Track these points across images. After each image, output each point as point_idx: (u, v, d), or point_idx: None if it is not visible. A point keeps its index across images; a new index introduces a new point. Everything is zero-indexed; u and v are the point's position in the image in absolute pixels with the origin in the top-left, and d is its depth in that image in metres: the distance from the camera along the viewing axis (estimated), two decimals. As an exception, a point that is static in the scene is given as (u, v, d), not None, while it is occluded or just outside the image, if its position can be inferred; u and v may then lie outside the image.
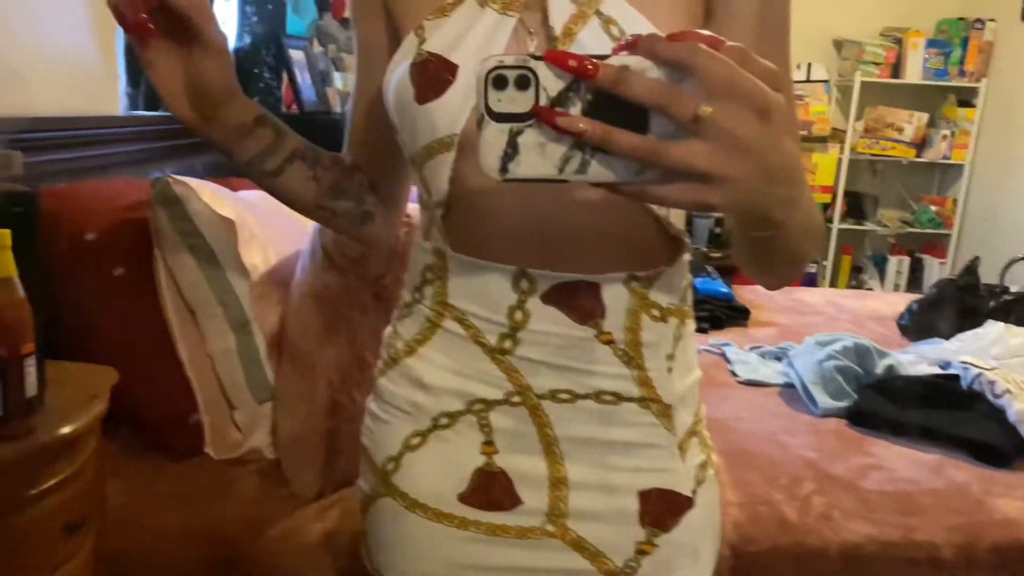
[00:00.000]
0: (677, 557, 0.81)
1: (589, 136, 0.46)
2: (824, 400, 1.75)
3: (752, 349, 2.15)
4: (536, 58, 0.46)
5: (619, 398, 0.76)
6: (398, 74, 0.77)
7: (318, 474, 1.36)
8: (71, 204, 1.43)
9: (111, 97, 1.97)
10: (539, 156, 0.47)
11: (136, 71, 2.04)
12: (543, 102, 0.46)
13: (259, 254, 1.50)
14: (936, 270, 4.63)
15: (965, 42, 4.41)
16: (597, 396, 0.76)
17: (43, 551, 0.98)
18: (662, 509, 0.79)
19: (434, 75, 0.74)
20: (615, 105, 0.46)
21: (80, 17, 1.81)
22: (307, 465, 1.37)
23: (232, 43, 2.72)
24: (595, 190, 0.67)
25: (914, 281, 4.66)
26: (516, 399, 0.76)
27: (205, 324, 1.45)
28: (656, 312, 0.76)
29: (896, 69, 4.50)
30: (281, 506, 1.35)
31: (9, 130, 1.42)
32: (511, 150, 0.47)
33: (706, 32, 0.48)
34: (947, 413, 1.62)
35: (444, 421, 0.78)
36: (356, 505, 1.34)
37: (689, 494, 0.80)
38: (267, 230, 1.56)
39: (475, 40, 0.74)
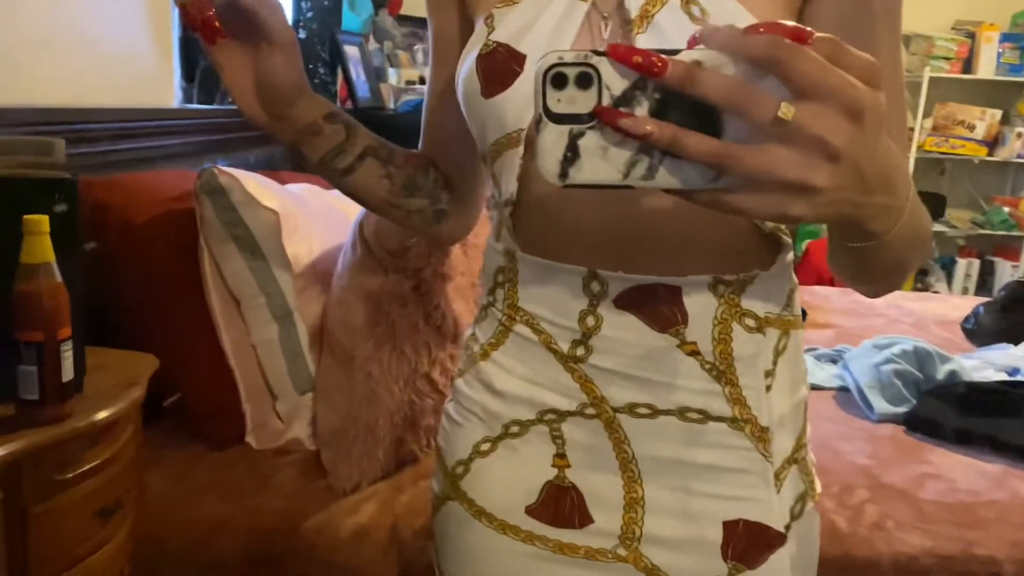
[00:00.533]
0: None
1: (657, 139, 0.42)
2: (881, 405, 1.67)
3: (807, 351, 2.07)
4: (598, 54, 0.43)
5: (707, 416, 0.70)
6: (467, 66, 0.74)
7: (354, 466, 1.35)
8: (120, 194, 1.45)
9: (166, 91, 2.01)
10: (602, 160, 0.44)
11: (191, 66, 2.08)
12: (606, 102, 0.43)
13: (303, 246, 1.50)
14: (1008, 274, 4.44)
15: (1043, 36, 4.22)
16: (681, 413, 0.70)
17: (77, 535, 0.99)
18: (749, 543, 0.71)
19: (501, 66, 0.71)
20: (686, 105, 0.42)
21: (137, 13, 1.84)
22: (345, 458, 1.36)
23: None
24: (666, 197, 0.64)
25: (983, 285, 4.48)
26: (590, 411, 0.71)
27: (248, 314, 1.46)
28: (751, 322, 0.69)
29: (968, 64, 4.33)
30: (318, 498, 1.34)
31: (64, 120, 1.45)
32: (571, 154, 0.44)
33: (791, 23, 0.42)
34: (1014, 422, 1.54)
35: (514, 429, 0.74)
36: (390, 498, 1.34)
37: (782, 530, 0.72)
38: (312, 223, 1.57)
39: (545, 28, 0.70)
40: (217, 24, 0.71)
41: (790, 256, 0.72)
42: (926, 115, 4.38)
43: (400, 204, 0.86)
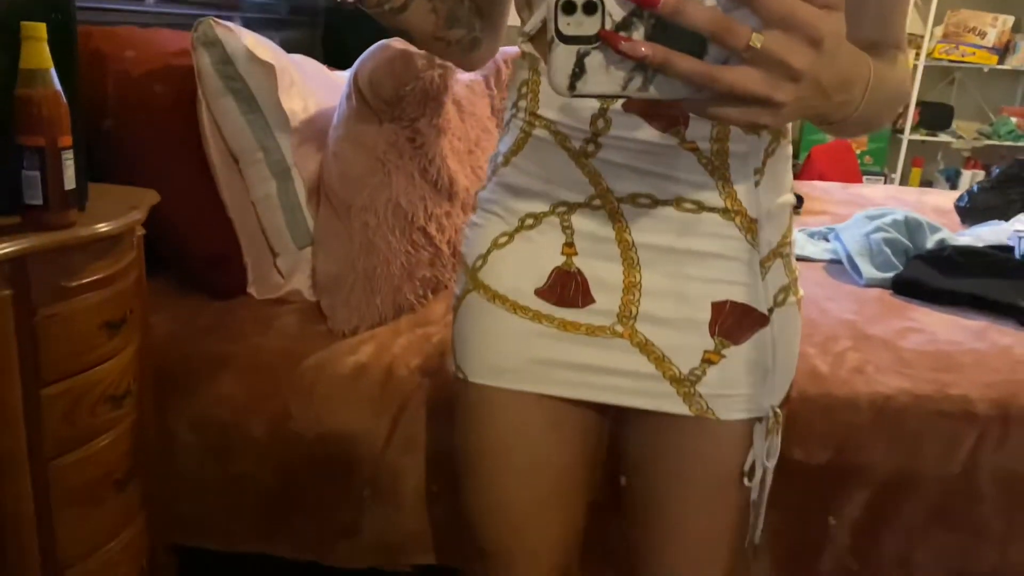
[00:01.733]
0: (743, 372, 0.81)
1: (650, 59, 0.49)
2: (869, 271, 1.70)
3: (799, 230, 2.10)
4: None
5: (701, 207, 0.77)
6: None
7: (353, 311, 1.40)
8: (118, 44, 1.46)
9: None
10: (604, 75, 0.51)
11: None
12: (608, 27, 0.50)
13: (299, 101, 1.52)
14: (1012, 185, 4.42)
15: (1060, -61, 4.12)
16: (678, 203, 0.77)
17: (84, 342, 1.03)
18: (734, 321, 0.80)
19: None
20: (675, 31, 0.49)
21: None
22: (343, 303, 1.41)
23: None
24: None
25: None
26: (597, 202, 0.79)
27: (247, 171, 1.48)
28: (742, 146, 0.77)
29: (982, -31, 4.24)
30: (318, 340, 1.39)
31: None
32: (579, 70, 0.51)
33: None
34: (998, 281, 1.57)
35: (529, 222, 0.82)
36: (388, 341, 1.39)
37: (764, 311, 0.80)
38: (307, 79, 1.58)
39: None
40: None
41: None
42: (937, 22, 4.30)
43: (442, 36, 0.92)
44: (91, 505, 1.08)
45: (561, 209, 0.80)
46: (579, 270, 0.81)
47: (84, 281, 1.02)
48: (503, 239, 0.84)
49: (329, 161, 1.45)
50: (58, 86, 0.95)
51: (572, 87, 0.52)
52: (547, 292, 0.82)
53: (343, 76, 1.95)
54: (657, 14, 0.49)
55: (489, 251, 0.84)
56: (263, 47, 1.48)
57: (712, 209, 0.77)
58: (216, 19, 1.42)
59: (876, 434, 1.30)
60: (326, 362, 1.35)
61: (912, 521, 1.30)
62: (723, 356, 0.80)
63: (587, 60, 0.51)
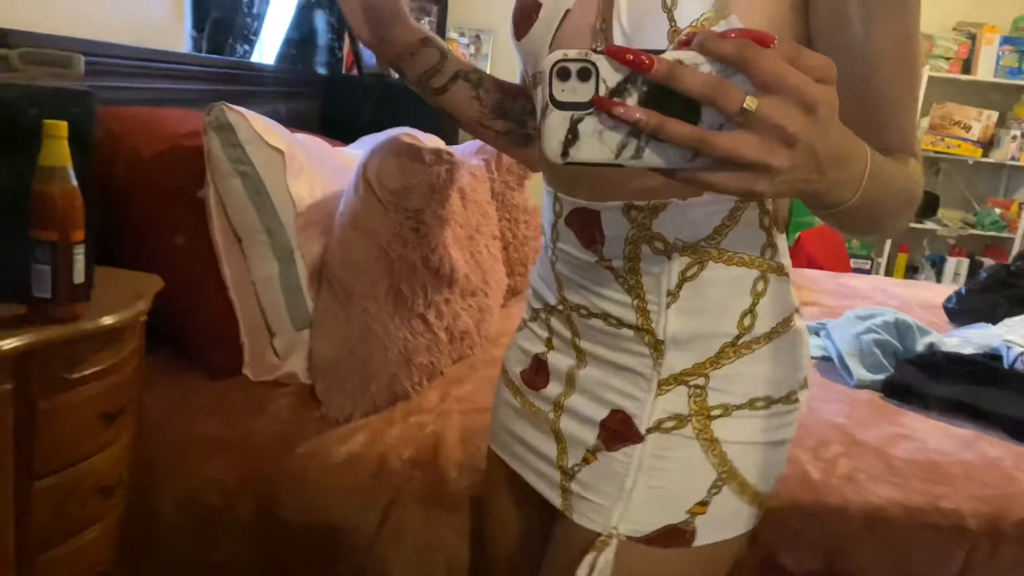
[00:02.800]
0: (603, 481, 0.83)
1: (644, 125, 0.50)
2: (860, 373, 1.72)
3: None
4: (597, 52, 0.50)
5: (620, 323, 0.82)
6: (514, 7, 0.87)
7: (348, 398, 1.40)
8: (130, 125, 1.48)
9: (177, 38, 2.04)
10: (597, 142, 0.51)
11: (202, 15, 2.11)
12: (602, 92, 0.50)
13: (306, 186, 1.54)
14: (996, 274, 4.50)
15: (1043, 40, 4.27)
16: (605, 317, 0.83)
17: (81, 434, 1.03)
18: (615, 429, 0.83)
19: (526, 11, 0.85)
20: (669, 96, 0.49)
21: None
22: (338, 389, 1.41)
23: (293, 4, 2.78)
24: None
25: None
26: (560, 307, 0.88)
27: (250, 251, 1.50)
28: (659, 245, 0.78)
29: (967, 65, 4.38)
30: (311, 427, 1.39)
31: (82, 51, 1.48)
32: (572, 136, 0.51)
33: (756, 30, 0.50)
34: (986, 390, 1.59)
35: (531, 315, 0.96)
36: (382, 430, 1.39)
37: (642, 431, 0.81)
38: (316, 166, 1.60)
39: None
40: None
41: (726, 196, 0.75)
42: (923, 114, 4.42)
43: (488, 124, 1.00)
44: (75, 598, 1.06)
45: (545, 310, 0.92)
46: (548, 360, 0.91)
47: (86, 372, 1.03)
48: (521, 325, 0.99)
49: (334, 247, 1.46)
50: (74, 182, 0.97)
51: (564, 154, 0.51)
52: (525, 374, 0.95)
53: (347, 153, 1.99)
54: (651, 80, 0.50)
55: (512, 343, 1.00)
56: (273, 132, 1.51)
57: (629, 326, 0.81)
58: (228, 105, 1.45)
59: (867, 544, 1.30)
60: (318, 450, 1.34)
61: (902, 636, 1.29)
62: (596, 458, 0.84)
63: (580, 126, 0.51)
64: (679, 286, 0.78)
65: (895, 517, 1.31)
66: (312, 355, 1.48)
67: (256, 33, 2.42)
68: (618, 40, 0.76)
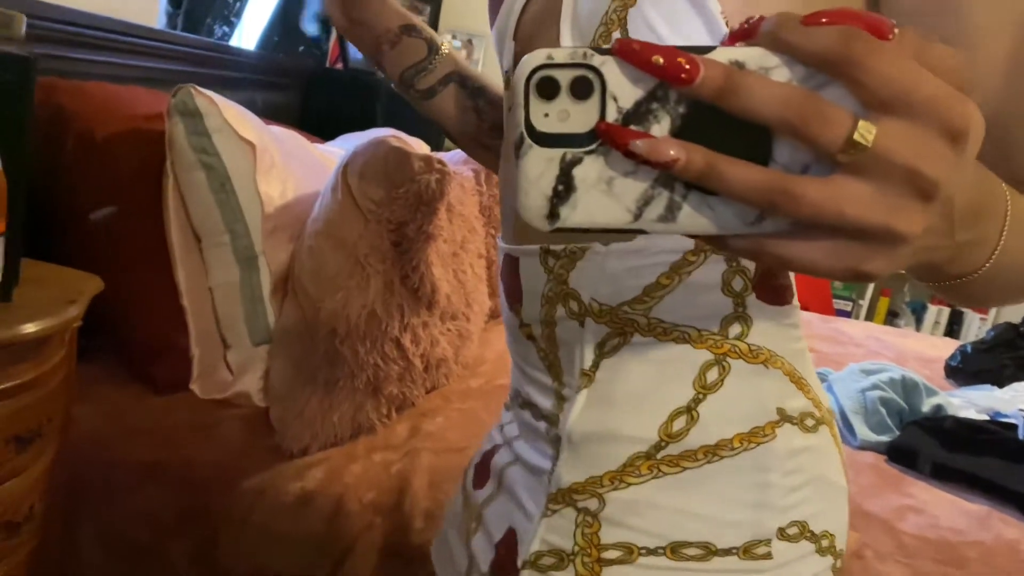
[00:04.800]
0: None
1: (684, 168, 0.31)
2: (864, 432, 1.60)
3: (786, 370, 2.00)
4: (602, 52, 0.31)
5: (541, 414, 0.62)
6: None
7: (306, 427, 1.24)
8: (85, 103, 1.32)
9: (150, 12, 1.87)
10: (605, 196, 0.32)
11: (179, -11, 1.95)
12: (612, 117, 0.31)
13: (277, 185, 1.38)
14: (976, 325, 4.45)
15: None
16: (526, 405, 0.65)
17: (-16, 460, 0.86)
18: (503, 558, 0.63)
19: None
20: (721, 122, 0.31)
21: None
22: (296, 416, 1.25)
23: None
24: None
25: (951, 334, 4.48)
26: (514, 395, 0.70)
27: (209, 253, 1.34)
28: (574, 306, 0.57)
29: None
30: (262, 457, 1.23)
31: (40, 15, 1.32)
32: (563, 187, 0.32)
33: (863, 11, 0.31)
34: (999, 462, 1.47)
35: (507, 404, 0.75)
36: (341, 466, 1.23)
37: (519, 564, 0.60)
38: (289, 163, 1.45)
39: None
40: None
41: (669, 245, 0.55)
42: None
43: (491, 145, 0.81)
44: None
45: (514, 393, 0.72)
46: (494, 455, 0.72)
47: (-5, 388, 0.86)
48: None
49: (303, 255, 1.31)
50: (-2, 162, 0.81)
51: (554, 215, 0.32)
52: (477, 466, 0.74)
53: (326, 151, 1.83)
54: (693, 96, 0.30)
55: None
56: (246, 122, 1.36)
57: (545, 417, 0.61)
58: (197, 88, 1.29)
59: (873, 632, 1.17)
60: (268, 486, 1.18)
61: None
62: None
63: (577, 171, 0.32)
64: (595, 365, 0.57)
65: (906, 603, 1.19)
66: (269, 375, 1.32)
67: (238, 15, 2.26)
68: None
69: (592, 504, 0.57)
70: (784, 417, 0.56)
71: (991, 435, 1.53)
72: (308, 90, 2.67)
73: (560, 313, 0.58)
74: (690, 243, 0.55)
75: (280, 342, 1.32)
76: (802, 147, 0.31)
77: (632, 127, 0.31)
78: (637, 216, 0.32)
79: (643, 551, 0.55)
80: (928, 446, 1.51)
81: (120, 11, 1.71)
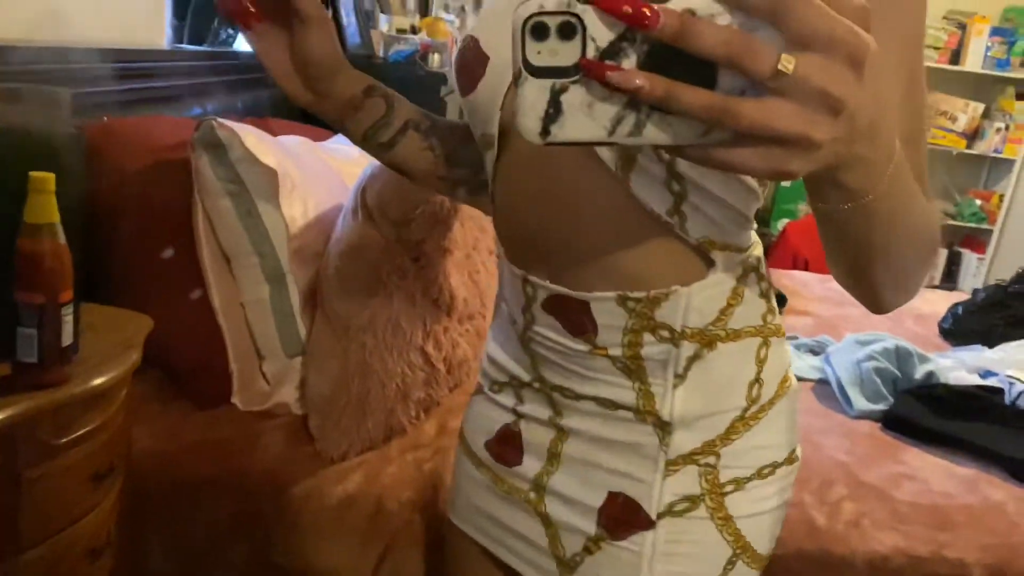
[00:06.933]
0: (613, 573, 0.77)
1: (648, 93, 0.39)
2: (860, 402, 1.70)
3: (788, 339, 2.11)
4: (583, 1, 0.39)
5: (616, 405, 0.75)
6: (455, 55, 0.77)
7: (343, 435, 1.34)
8: (112, 140, 1.40)
9: (157, 29, 1.93)
10: (586, 117, 0.41)
11: (182, 4, 2.00)
12: (591, 54, 0.40)
13: (299, 206, 1.47)
14: (974, 265, 4.53)
15: (1032, 32, 4.25)
16: (596, 399, 0.76)
17: (70, 500, 0.97)
18: (619, 516, 0.76)
19: (470, 65, 0.75)
20: (677, 58, 0.39)
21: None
22: (334, 425, 1.35)
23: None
24: (592, 202, 0.68)
25: (949, 275, 4.57)
26: (537, 385, 0.80)
27: (240, 273, 1.43)
28: (665, 333, 0.71)
29: (955, 55, 4.35)
30: (305, 464, 1.33)
31: (55, 61, 1.39)
32: (553, 110, 0.41)
33: None
34: (987, 427, 1.58)
35: (495, 387, 0.85)
36: (378, 469, 1.34)
37: (652, 516, 0.75)
38: (308, 181, 1.53)
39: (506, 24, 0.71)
40: (252, 9, 0.72)
41: (728, 272, 0.71)
42: (910, 103, 4.39)
43: (445, 176, 0.89)
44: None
45: (515, 382, 0.82)
46: (520, 431, 0.82)
47: (74, 435, 0.96)
48: (477, 390, 0.90)
49: (330, 275, 1.40)
50: (62, 239, 0.90)
51: (546, 131, 0.41)
52: (491, 444, 0.85)
53: (332, 152, 1.90)
54: (655, 37, 0.39)
55: (469, 407, 0.91)
56: (265, 148, 1.43)
57: (627, 407, 0.74)
58: (218, 120, 1.37)
59: (872, 594, 1.29)
60: (313, 491, 1.29)
61: None
62: (600, 548, 0.78)
63: (564, 98, 0.41)
64: (687, 368, 0.72)
65: (900, 567, 1.30)
66: (306, 387, 1.43)
67: (239, 17, 2.31)
68: None
69: (711, 459, 0.74)
70: (788, 366, 0.80)
71: (979, 401, 1.63)
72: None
73: (648, 339, 0.71)
74: (740, 271, 0.72)
75: (314, 357, 1.42)
76: (739, 76, 0.39)
77: (607, 62, 0.40)
78: (611, 132, 0.41)
79: (744, 480, 0.75)
80: (920, 413, 1.61)
81: (129, 33, 1.78)
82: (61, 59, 1.38)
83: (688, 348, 0.71)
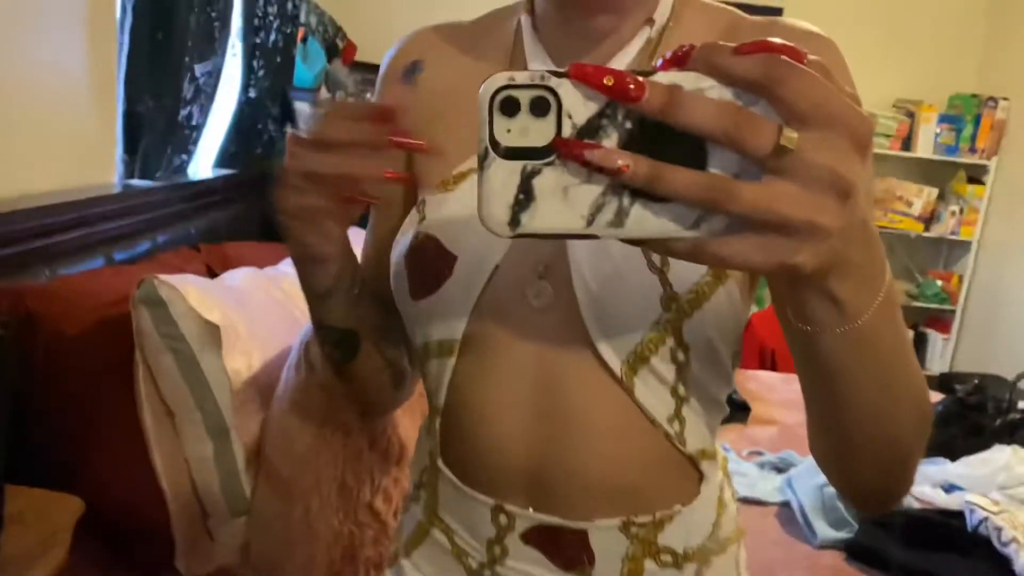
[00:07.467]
0: None
1: (632, 175, 0.35)
2: (824, 530, 1.68)
3: (751, 454, 2.09)
4: (558, 75, 0.36)
5: None
6: (398, 253, 0.70)
7: (290, 604, 1.30)
8: (52, 303, 1.37)
9: (107, 165, 1.92)
10: (562, 203, 0.36)
11: (134, 138, 2.00)
12: (567, 133, 0.36)
13: (243, 359, 1.44)
14: (940, 346, 4.57)
15: (977, 119, 4.38)
16: None
17: None
18: None
19: (430, 266, 0.67)
20: (663, 135, 0.35)
21: (79, 81, 1.76)
22: (280, 593, 1.30)
23: (236, 97, 2.68)
24: (600, 416, 0.62)
25: (917, 357, 4.60)
26: None
27: (183, 428, 1.39)
28: (667, 558, 0.67)
29: (907, 142, 4.47)
30: (248, 637, 1.28)
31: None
32: (524, 196, 0.37)
33: (780, 41, 0.35)
34: (950, 557, 1.56)
35: None
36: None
37: None
38: (254, 330, 1.51)
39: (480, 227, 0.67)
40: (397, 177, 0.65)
41: (713, 482, 0.69)
42: (866, 189, 4.49)
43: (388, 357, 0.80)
44: None
45: None
46: None
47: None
48: None
49: (274, 435, 1.37)
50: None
51: (515, 221, 0.37)
52: None
53: (283, 277, 1.87)
54: (641, 112, 0.35)
55: None
56: (210, 302, 1.42)
57: None
58: (159, 278, 1.35)
59: None
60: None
61: None
62: None
63: (536, 182, 0.36)
64: None
65: None
66: (251, 550, 1.38)
67: (195, 142, 2.32)
68: (584, 303, 0.61)
69: None
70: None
71: (942, 528, 1.61)
72: (267, 195, 2.72)
73: (650, 567, 0.66)
74: (720, 476, 0.71)
75: (258, 518, 1.37)
76: (734, 155, 0.35)
77: (586, 140, 0.36)
78: (590, 222, 0.37)
79: None
80: (884, 544, 1.59)
81: (77, 174, 1.77)
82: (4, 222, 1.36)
83: (689, 570, 0.68)
